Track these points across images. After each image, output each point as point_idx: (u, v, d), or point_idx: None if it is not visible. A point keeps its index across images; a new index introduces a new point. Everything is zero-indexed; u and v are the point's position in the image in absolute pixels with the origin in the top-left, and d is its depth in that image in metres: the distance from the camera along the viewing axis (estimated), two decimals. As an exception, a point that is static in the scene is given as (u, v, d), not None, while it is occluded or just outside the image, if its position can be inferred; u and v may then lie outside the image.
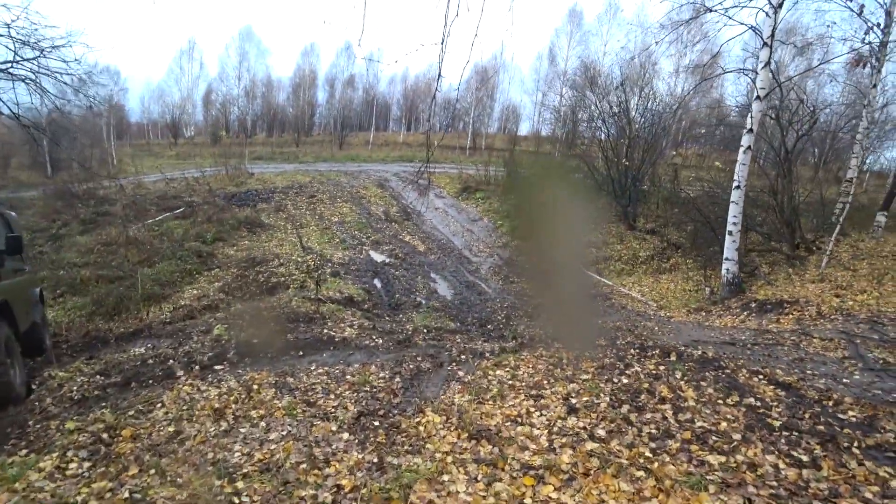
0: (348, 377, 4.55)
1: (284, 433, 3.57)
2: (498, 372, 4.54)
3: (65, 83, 8.06)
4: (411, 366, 4.86)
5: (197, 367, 4.97)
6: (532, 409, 3.71)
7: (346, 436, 3.43)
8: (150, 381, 4.81)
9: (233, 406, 4.07)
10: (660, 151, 19.65)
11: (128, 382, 4.82)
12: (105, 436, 3.73)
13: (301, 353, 5.31)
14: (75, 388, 4.82)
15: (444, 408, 3.75)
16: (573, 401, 3.84)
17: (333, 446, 3.30)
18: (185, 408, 4.09)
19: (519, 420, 3.57)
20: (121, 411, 4.08)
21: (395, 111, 49.31)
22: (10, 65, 6.74)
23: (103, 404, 4.39)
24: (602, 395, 3.89)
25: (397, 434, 3.43)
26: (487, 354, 5.24)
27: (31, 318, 6.14)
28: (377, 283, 10.55)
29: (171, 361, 5.26)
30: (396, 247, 13.39)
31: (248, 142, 34.12)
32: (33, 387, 4.99)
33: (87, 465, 3.48)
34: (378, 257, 12.37)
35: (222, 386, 4.48)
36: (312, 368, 4.85)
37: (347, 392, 4.23)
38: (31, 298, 6.29)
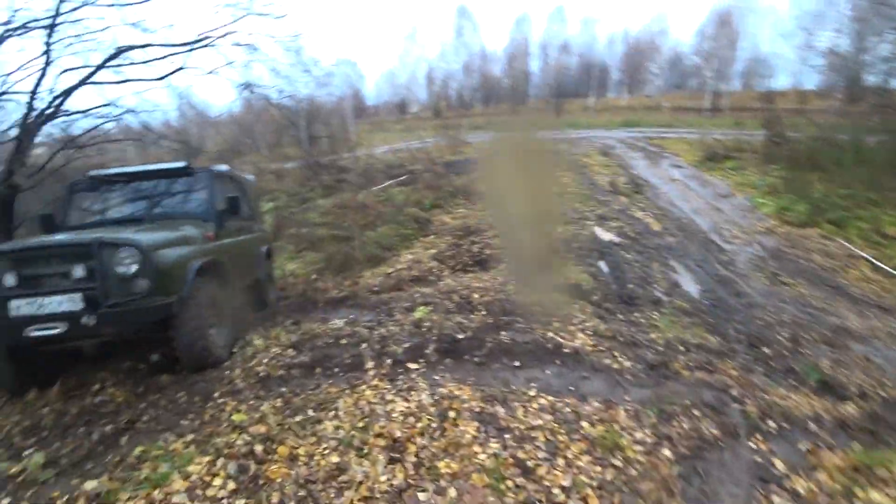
0: (584, 425, 2.87)
1: (484, 527, 2.10)
2: (872, 495, 2.29)
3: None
4: (685, 425, 2.92)
5: (389, 362, 3.89)
6: None
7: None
8: (336, 370, 3.90)
9: (417, 441, 2.78)
10: None
11: (314, 366, 3.99)
12: (260, 449, 2.78)
13: (517, 363, 3.81)
14: (265, 360, 4.20)
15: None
16: None
17: None
18: (359, 425, 2.96)
19: None
20: (288, 413, 3.16)
21: (615, 74, 44.62)
22: (227, 31, 6.68)
23: (282, 390, 3.58)
24: None
25: None
26: (812, 426, 2.97)
27: (253, 275, 6.01)
28: (603, 266, 8.58)
29: (364, 346, 4.31)
30: (625, 224, 11.01)
31: (466, 113, 34.51)
32: (234, 350, 4.57)
33: (230, 486, 2.55)
34: (604, 235, 10.25)
35: (411, 399, 3.26)
36: (532, 394, 3.30)
37: (585, 460, 2.54)
38: (255, 257, 6.18)
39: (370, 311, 5.73)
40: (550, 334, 4.19)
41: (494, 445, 2.67)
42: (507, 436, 2.78)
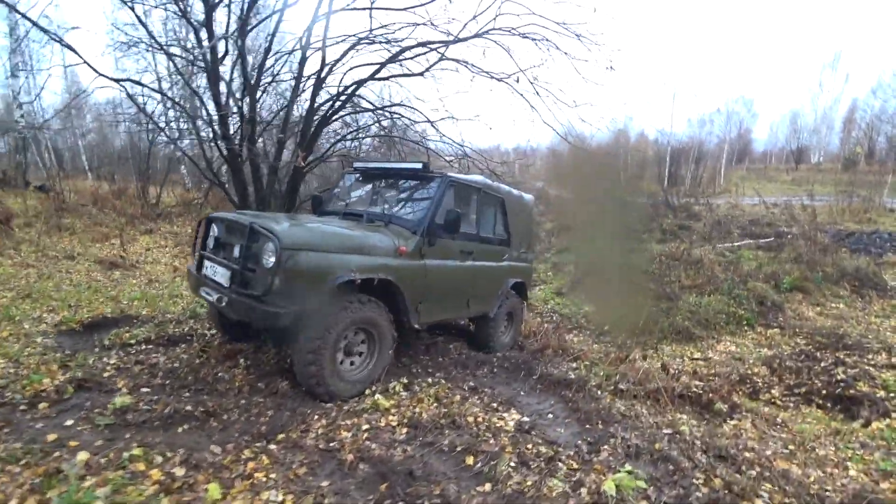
0: None
1: None
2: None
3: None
4: None
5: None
6: None
7: None
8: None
9: None
10: None
11: (385, 476, 2.44)
12: None
13: None
14: (364, 426, 2.95)
15: None
16: None
17: None
18: None
19: None
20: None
21: None
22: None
23: (319, 484, 2.29)
24: None
25: None
26: None
27: (477, 309, 4.82)
28: None
29: (480, 492, 2.41)
30: None
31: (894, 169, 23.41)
32: (367, 392, 3.46)
33: None
34: None
35: None
36: None
37: None
38: (487, 288, 4.94)
39: (577, 424, 3.44)
40: None
41: None
42: None
